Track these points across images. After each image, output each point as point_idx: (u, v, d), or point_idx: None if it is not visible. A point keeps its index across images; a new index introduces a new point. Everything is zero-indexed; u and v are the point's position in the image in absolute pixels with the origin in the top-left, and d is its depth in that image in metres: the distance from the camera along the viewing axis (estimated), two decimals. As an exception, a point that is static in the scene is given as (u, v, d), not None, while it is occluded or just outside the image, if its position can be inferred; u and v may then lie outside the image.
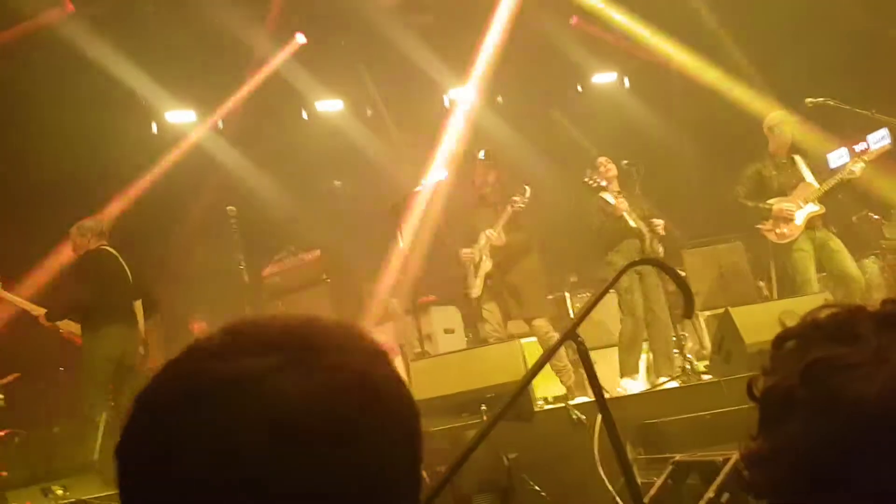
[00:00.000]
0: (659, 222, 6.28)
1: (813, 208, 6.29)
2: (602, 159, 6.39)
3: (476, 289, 6.30)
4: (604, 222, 6.21)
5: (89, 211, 7.92)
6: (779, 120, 6.48)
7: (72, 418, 6.87)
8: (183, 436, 0.66)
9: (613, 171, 6.31)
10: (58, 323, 5.94)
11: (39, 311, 5.96)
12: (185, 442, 0.66)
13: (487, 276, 6.25)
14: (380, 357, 0.74)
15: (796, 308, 5.37)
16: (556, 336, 5.92)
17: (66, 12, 7.44)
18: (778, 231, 6.35)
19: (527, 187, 6.13)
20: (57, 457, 5.91)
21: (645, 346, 6.34)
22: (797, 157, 6.49)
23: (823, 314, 0.84)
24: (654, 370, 6.20)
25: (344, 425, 0.67)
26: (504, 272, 6.25)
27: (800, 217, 6.28)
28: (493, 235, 6.14)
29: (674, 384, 5.85)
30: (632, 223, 6.12)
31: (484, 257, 6.24)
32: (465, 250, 6.35)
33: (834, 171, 6.52)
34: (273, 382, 0.67)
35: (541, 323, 6.23)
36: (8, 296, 6.04)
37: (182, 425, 0.67)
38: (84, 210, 7.88)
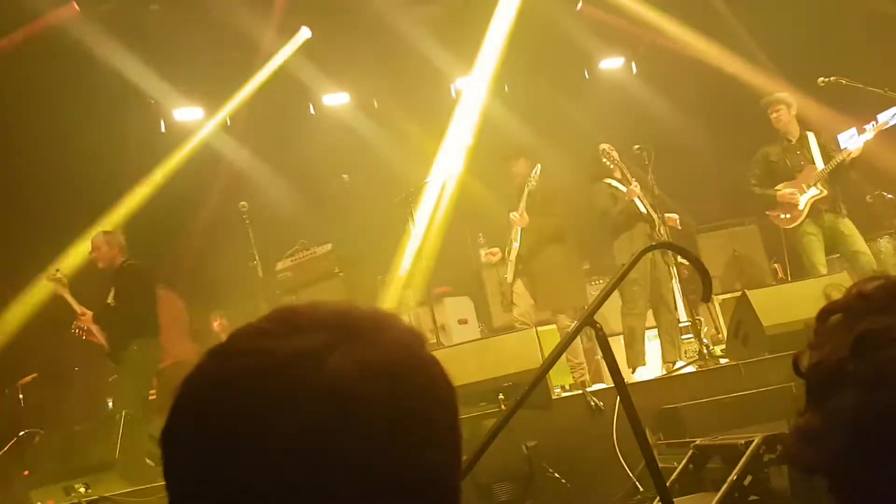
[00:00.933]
0: (674, 216, 6.26)
1: (814, 192, 6.25)
2: (605, 146, 6.37)
3: (509, 273, 6.34)
4: (612, 207, 6.19)
5: (99, 210, 7.99)
6: (775, 101, 6.45)
7: (91, 417, 6.92)
8: (245, 411, 0.67)
9: (617, 156, 6.30)
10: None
11: (86, 312, 6.00)
12: (249, 417, 0.67)
13: (518, 259, 6.26)
14: (417, 337, 0.77)
15: (813, 289, 5.36)
16: None
17: (72, 12, 7.43)
18: (783, 216, 6.34)
19: (538, 165, 6.18)
20: (78, 455, 5.95)
21: (653, 333, 6.32)
22: (810, 136, 6.44)
23: (870, 286, 0.83)
24: (662, 356, 6.18)
25: (400, 399, 0.70)
26: (533, 257, 6.26)
27: (802, 201, 6.27)
28: (514, 217, 6.20)
29: (690, 368, 5.84)
30: (643, 208, 6.10)
31: (514, 242, 6.27)
32: (486, 251, 6.44)
33: (836, 152, 6.49)
34: (334, 356, 0.69)
35: (562, 318, 6.24)
36: (62, 289, 6.08)
37: (243, 401, 0.68)
38: (94, 209, 7.95)
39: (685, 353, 6.25)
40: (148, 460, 5.53)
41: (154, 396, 6.61)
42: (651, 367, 6.18)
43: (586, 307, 3.16)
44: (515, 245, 6.28)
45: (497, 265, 6.73)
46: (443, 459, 0.72)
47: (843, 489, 0.80)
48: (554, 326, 6.24)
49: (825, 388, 0.81)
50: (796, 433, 0.83)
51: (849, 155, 6.18)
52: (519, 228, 6.27)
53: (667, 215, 6.23)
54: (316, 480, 0.66)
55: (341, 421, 0.67)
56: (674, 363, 6.02)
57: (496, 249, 6.53)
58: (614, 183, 6.25)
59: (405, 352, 0.73)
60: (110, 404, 7.08)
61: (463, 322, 7.34)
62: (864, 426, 0.76)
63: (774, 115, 6.40)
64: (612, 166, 6.22)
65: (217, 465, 0.67)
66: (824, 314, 0.86)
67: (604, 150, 6.31)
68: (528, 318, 6.23)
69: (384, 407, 0.68)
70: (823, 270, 6.15)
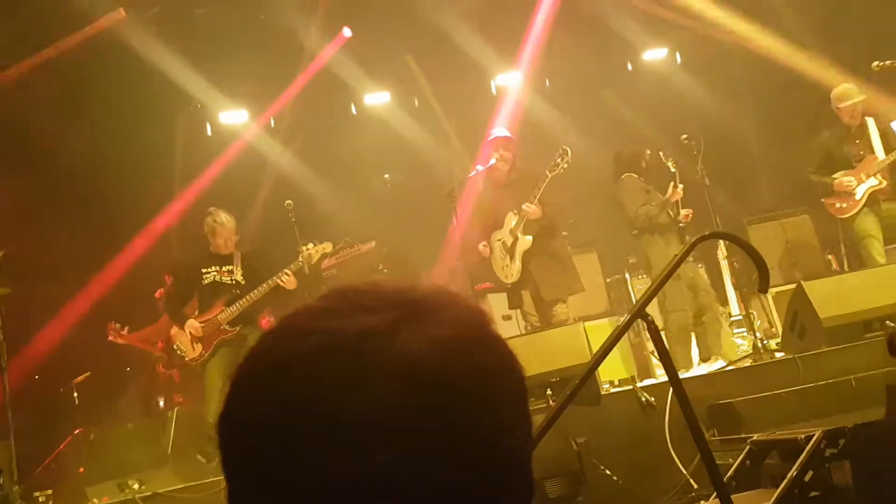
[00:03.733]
0: (687, 211, 6.11)
1: (873, 182, 6.08)
2: (648, 152, 6.26)
3: (514, 273, 6.09)
4: (649, 203, 6.08)
5: (148, 213, 8.14)
6: (845, 96, 6.25)
7: (144, 414, 7.05)
8: (317, 392, 0.64)
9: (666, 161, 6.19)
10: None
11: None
12: (321, 398, 0.64)
13: (527, 253, 6.03)
14: (483, 315, 0.74)
15: (872, 279, 5.19)
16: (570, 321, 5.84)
17: (119, 17, 7.57)
18: (838, 205, 6.18)
19: (567, 149, 5.85)
20: (131, 452, 6.06)
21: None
22: (870, 122, 6.25)
23: None
24: (705, 352, 6.03)
25: (477, 374, 0.67)
26: (539, 249, 6.02)
27: (860, 191, 6.11)
28: (529, 208, 5.89)
29: (721, 364, 5.74)
30: (677, 212, 6.03)
31: (520, 235, 6.05)
32: (482, 244, 6.21)
33: None
34: (404, 334, 0.66)
35: (561, 308, 6.04)
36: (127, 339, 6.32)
37: (314, 381, 0.65)
38: (143, 213, 8.10)
39: (739, 347, 6.11)
40: (199, 457, 5.61)
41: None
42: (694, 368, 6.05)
43: (635, 301, 3.08)
44: (526, 239, 5.97)
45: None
46: (518, 442, 0.70)
47: None
48: (605, 321, 6.14)
49: None
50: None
51: None
52: (523, 222, 5.97)
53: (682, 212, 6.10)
54: (396, 463, 0.63)
55: (419, 400, 0.64)
56: (708, 360, 5.89)
57: (489, 242, 6.20)
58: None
59: (475, 328, 0.71)
60: (161, 402, 7.22)
61: (507, 318, 7.27)
62: None
63: (845, 111, 6.18)
64: (645, 166, 6.14)
65: (288, 450, 0.64)
66: None
67: (651, 154, 6.22)
68: (536, 317, 6.12)
69: (465, 384, 0.66)
70: (882, 260, 5.97)
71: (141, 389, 7.41)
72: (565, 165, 5.81)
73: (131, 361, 7.50)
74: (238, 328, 5.84)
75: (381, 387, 0.63)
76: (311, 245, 5.92)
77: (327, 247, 6.02)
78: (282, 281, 5.76)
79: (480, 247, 6.22)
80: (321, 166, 9.18)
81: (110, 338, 7.06)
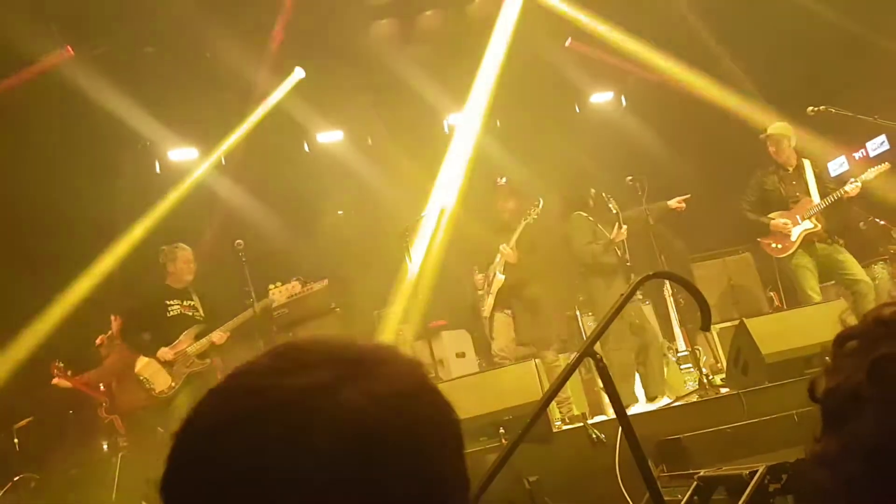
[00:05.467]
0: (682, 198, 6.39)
1: (808, 226, 6.26)
2: (592, 191, 6.45)
3: (488, 307, 6.33)
4: (595, 243, 6.24)
5: (95, 252, 7.97)
6: (778, 133, 6.46)
7: (87, 460, 6.83)
8: (255, 452, 0.66)
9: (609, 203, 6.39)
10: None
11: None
12: (260, 458, 0.66)
13: (500, 292, 6.26)
14: (420, 368, 0.78)
15: (811, 316, 5.37)
16: (562, 366, 5.92)
17: (67, 56, 7.50)
18: (774, 245, 6.35)
19: (540, 199, 6.23)
20: (75, 498, 5.86)
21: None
22: (807, 164, 6.47)
23: (887, 311, 0.84)
24: (650, 392, 6.17)
25: (412, 428, 0.70)
26: (517, 293, 6.27)
27: (795, 233, 6.27)
28: (505, 250, 6.19)
29: (666, 400, 5.85)
30: (624, 251, 6.20)
31: (497, 273, 6.26)
32: (478, 276, 6.44)
33: (833, 182, 6.53)
34: (345, 391, 0.69)
35: (548, 353, 6.25)
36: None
37: (253, 441, 0.67)
38: (89, 251, 7.93)
39: (685, 382, 6.24)
40: (144, 503, 5.46)
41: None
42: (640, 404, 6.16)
43: (585, 338, 3.16)
44: (500, 277, 6.27)
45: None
46: (456, 488, 0.73)
47: None
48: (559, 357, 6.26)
49: (842, 413, 0.81)
50: (813, 459, 0.83)
51: (846, 194, 6.21)
52: (504, 262, 6.25)
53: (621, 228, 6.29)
54: None
55: (359, 455, 0.66)
56: (654, 399, 6.02)
57: (483, 275, 6.50)
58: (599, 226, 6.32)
59: (412, 383, 0.74)
60: (105, 447, 7.01)
61: (461, 356, 7.32)
62: (882, 450, 0.76)
63: (774, 148, 6.40)
64: (592, 205, 6.31)
65: None
66: (841, 340, 0.86)
67: (595, 193, 6.39)
68: (509, 353, 6.22)
69: (400, 438, 0.69)
70: (817, 298, 6.15)
71: (84, 434, 7.19)
72: (535, 216, 6.14)
73: (74, 405, 7.28)
74: (208, 361, 5.75)
75: (320, 441, 0.66)
76: (279, 283, 5.92)
77: (296, 287, 6.01)
78: (245, 317, 5.78)
79: (476, 277, 6.42)
80: (273, 204, 9.14)
81: (55, 380, 6.86)
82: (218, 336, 5.82)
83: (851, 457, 0.78)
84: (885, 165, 6.21)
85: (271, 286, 5.92)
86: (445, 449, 0.73)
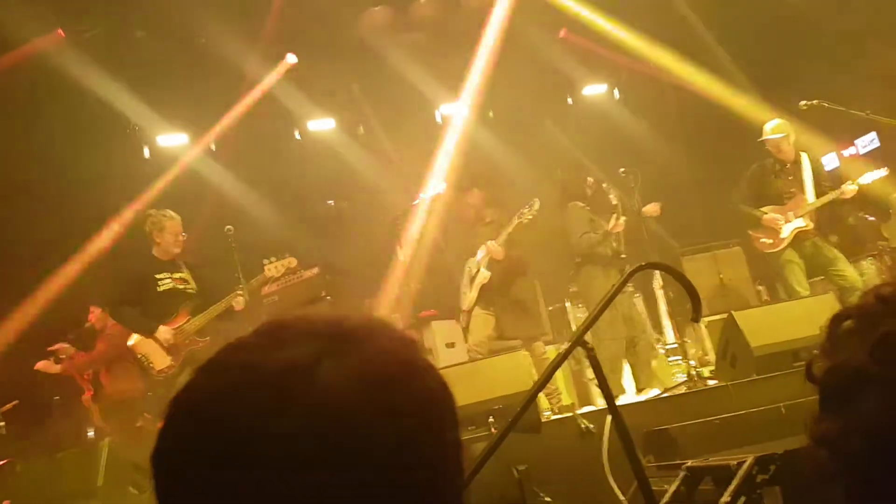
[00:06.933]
0: (656, 205, 6.33)
1: (800, 223, 6.26)
2: (590, 179, 6.43)
3: (469, 302, 6.28)
4: (593, 233, 6.22)
5: (83, 237, 7.91)
6: (772, 130, 6.44)
7: (73, 445, 6.80)
8: (234, 429, 0.66)
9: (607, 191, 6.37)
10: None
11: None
12: (238, 434, 0.66)
13: (484, 287, 6.22)
14: (412, 344, 0.75)
15: (800, 309, 5.39)
16: (550, 358, 5.94)
17: (57, 39, 7.42)
18: (763, 240, 6.35)
19: (536, 200, 6.15)
20: (60, 484, 5.82)
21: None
22: (804, 158, 6.46)
23: (887, 290, 0.83)
24: (639, 384, 6.19)
25: (392, 409, 0.68)
26: (502, 289, 6.25)
27: (786, 230, 6.27)
28: (493, 247, 6.13)
29: (655, 392, 5.87)
30: (620, 243, 6.19)
31: (482, 269, 6.23)
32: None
33: (829, 180, 6.53)
34: (323, 369, 0.67)
35: (537, 344, 6.23)
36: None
37: (232, 419, 0.66)
38: (77, 236, 7.87)
39: (674, 374, 6.26)
40: (131, 488, 5.43)
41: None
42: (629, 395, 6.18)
43: (576, 329, 3.17)
44: (485, 273, 6.21)
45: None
46: (442, 475, 0.70)
47: (863, 495, 0.79)
48: (549, 348, 6.26)
49: (843, 393, 0.80)
50: (814, 439, 0.82)
51: (842, 195, 6.22)
52: (487, 258, 6.22)
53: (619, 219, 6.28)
54: (309, 500, 0.64)
55: (333, 438, 0.65)
56: (642, 391, 6.04)
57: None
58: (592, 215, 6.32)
59: (399, 360, 0.71)
60: (91, 433, 6.97)
61: (451, 346, 7.31)
62: (886, 429, 0.76)
63: (774, 150, 6.37)
64: (590, 194, 6.29)
65: (209, 485, 0.66)
66: (837, 319, 0.85)
67: (593, 183, 6.37)
68: (482, 348, 6.21)
69: (379, 423, 0.66)
70: (805, 293, 6.17)
71: (70, 419, 7.15)
72: (531, 216, 6.07)
73: (59, 390, 7.24)
74: (207, 339, 5.52)
75: (294, 421, 0.65)
76: (273, 259, 5.80)
77: (292, 262, 5.86)
78: (236, 300, 5.59)
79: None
80: (264, 191, 9.09)
81: (39, 364, 6.81)
82: (239, 302, 5.57)
83: (853, 436, 0.78)
84: (884, 171, 6.25)
85: (265, 261, 5.78)
86: (430, 433, 0.70)
